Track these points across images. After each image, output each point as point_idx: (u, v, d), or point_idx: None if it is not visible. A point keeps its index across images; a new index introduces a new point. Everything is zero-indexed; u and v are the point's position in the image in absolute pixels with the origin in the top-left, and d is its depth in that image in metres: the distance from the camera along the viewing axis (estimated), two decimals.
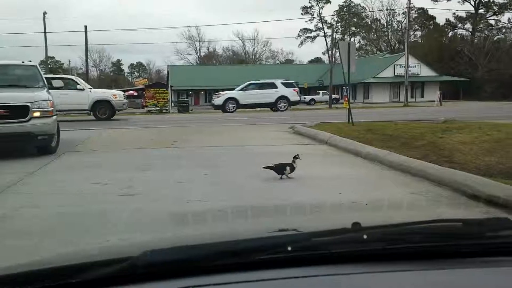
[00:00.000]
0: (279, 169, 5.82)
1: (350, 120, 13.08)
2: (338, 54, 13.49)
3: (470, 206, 4.43)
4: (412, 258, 1.03)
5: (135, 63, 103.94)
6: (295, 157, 5.94)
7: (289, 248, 0.99)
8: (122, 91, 28.64)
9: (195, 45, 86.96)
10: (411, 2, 40.65)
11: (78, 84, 21.00)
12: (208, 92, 64.54)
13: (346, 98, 13.63)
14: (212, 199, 4.80)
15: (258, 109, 28.57)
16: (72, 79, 21.63)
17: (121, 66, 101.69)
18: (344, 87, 13.65)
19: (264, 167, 5.88)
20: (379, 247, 1.02)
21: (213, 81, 61.69)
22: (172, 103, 39.89)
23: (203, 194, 5.02)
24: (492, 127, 11.72)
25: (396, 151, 9.43)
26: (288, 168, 5.78)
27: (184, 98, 46.05)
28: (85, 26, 39.61)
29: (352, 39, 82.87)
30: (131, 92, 58.04)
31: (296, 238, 1.06)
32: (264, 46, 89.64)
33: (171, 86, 42.75)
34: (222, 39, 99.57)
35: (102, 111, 20.81)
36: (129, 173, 6.51)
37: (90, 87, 22.42)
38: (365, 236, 1.03)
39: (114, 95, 21.62)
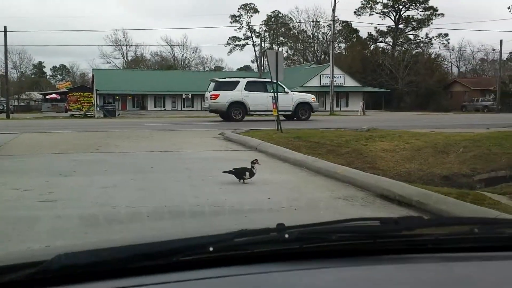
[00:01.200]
0: (239, 173, 5.81)
1: (279, 128, 13.27)
2: (266, 62, 13.70)
3: (391, 209, 4.62)
4: (331, 256, 1.06)
5: (58, 66, 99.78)
6: (253, 162, 5.93)
7: (211, 249, 0.99)
8: (43, 94, 27.32)
9: (121, 49, 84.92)
10: (335, 15, 42.11)
11: None
12: (135, 97, 63.22)
13: (274, 106, 13.82)
14: (138, 204, 4.67)
15: (183, 114, 27.99)
16: None
17: (43, 69, 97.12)
18: (273, 95, 13.83)
19: (224, 172, 5.89)
20: (297, 246, 1.04)
21: (141, 86, 60.44)
22: (98, 108, 38.68)
23: (129, 200, 4.87)
24: (412, 136, 12.37)
25: (323, 158, 9.67)
26: (247, 173, 5.78)
27: (111, 103, 44.76)
28: (5, 27, 37.40)
29: (280, 49, 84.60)
30: (53, 95, 55.65)
31: (218, 239, 1.05)
32: (193, 52, 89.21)
33: (97, 90, 41.35)
34: (150, 44, 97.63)
35: None
36: (51, 178, 6.19)
37: None
38: (286, 236, 1.04)
39: None
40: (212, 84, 23.22)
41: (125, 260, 0.97)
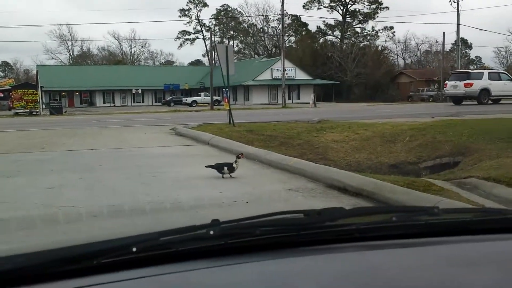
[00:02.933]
0: (218, 168, 5.77)
1: (231, 121, 13.26)
2: (217, 56, 13.62)
3: (341, 199, 4.71)
4: (256, 250, 1.07)
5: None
6: (238, 157, 5.88)
7: (134, 249, 0.98)
8: None
9: (67, 44, 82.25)
10: (284, 9, 42.39)
11: None
12: (83, 93, 61.49)
13: (226, 100, 13.79)
14: (86, 204, 4.53)
15: (134, 110, 27.33)
16: None
17: None
18: (224, 89, 13.79)
19: (206, 166, 5.88)
20: (222, 242, 1.05)
21: (89, 82, 58.87)
22: (44, 105, 37.36)
23: (77, 200, 4.72)
24: (361, 126, 12.64)
25: (275, 150, 9.74)
26: (225, 168, 5.74)
27: (57, 100, 43.35)
28: None
29: (231, 43, 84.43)
30: None
31: (143, 239, 1.04)
32: (142, 47, 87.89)
33: (42, 87, 39.88)
34: (96, 39, 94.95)
35: None
36: None
37: None
38: (211, 232, 1.05)
39: None
40: (454, 75, 28.30)
41: (42, 265, 0.94)
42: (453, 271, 1.01)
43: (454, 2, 44.64)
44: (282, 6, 41.27)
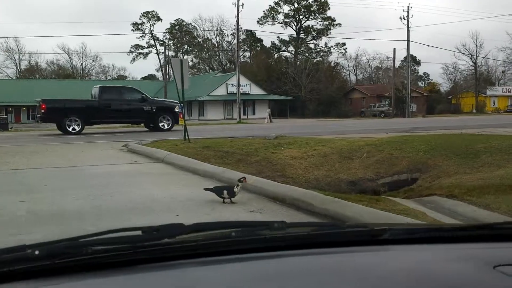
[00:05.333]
0: (218, 191, 5.17)
1: (186, 137, 12.90)
2: (171, 71, 13.25)
3: (300, 217, 4.47)
4: (90, 270, 1.05)
5: None
6: (240, 180, 5.26)
7: None
8: None
9: (14, 58, 79.34)
10: (239, 24, 42.52)
11: None
12: (30, 109, 59.24)
13: (181, 115, 13.43)
14: (26, 231, 4.10)
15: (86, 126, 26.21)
16: None
17: None
18: (178, 104, 13.43)
19: (204, 189, 5.32)
20: (49, 262, 1.03)
21: (37, 97, 56.74)
22: None
23: (16, 225, 4.27)
24: (318, 142, 12.58)
25: (232, 168, 9.47)
26: (225, 192, 5.11)
27: (3, 115, 41.56)
28: None
29: (185, 57, 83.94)
30: None
31: None
32: (93, 61, 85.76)
33: None
34: (46, 52, 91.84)
35: None
36: None
37: None
38: (36, 253, 1.04)
39: None
40: None
41: None
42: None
43: (405, 19, 46.13)
44: (237, 21, 41.43)
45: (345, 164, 10.97)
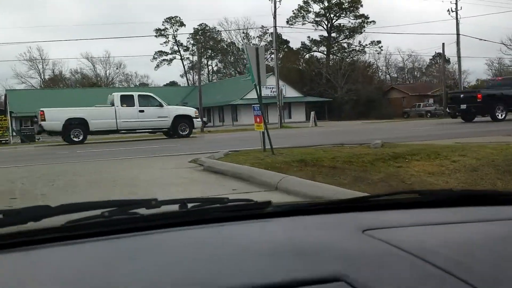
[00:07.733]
0: None
1: (269, 147, 9.88)
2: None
3: None
4: None
5: None
6: None
7: None
8: None
9: (37, 67, 77.76)
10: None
11: None
12: None
13: (257, 119, 10.39)
14: None
15: (119, 135, 23.30)
16: None
17: None
18: (254, 105, 10.40)
19: None
20: None
21: (62, 106, 54.64)
22: (14, 132, 33.75)
23: None
24: (451, 151, 9.36)
25: (353, 189, 6.44)
26: None
27: (29, 126, 39.45)
28: None
29: (209, 62, 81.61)
30: None
31: None
32: (117, 68, 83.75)
33: (11, 113, 36.14)
34: (69, 61, 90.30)
35: None
36: None
37: None
38: None
39: None
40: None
41: None
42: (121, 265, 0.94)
43: (453, 12, 42.51)
44: (274, 18, 38.50)
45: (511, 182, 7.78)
